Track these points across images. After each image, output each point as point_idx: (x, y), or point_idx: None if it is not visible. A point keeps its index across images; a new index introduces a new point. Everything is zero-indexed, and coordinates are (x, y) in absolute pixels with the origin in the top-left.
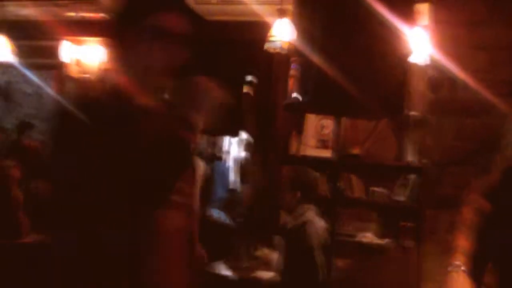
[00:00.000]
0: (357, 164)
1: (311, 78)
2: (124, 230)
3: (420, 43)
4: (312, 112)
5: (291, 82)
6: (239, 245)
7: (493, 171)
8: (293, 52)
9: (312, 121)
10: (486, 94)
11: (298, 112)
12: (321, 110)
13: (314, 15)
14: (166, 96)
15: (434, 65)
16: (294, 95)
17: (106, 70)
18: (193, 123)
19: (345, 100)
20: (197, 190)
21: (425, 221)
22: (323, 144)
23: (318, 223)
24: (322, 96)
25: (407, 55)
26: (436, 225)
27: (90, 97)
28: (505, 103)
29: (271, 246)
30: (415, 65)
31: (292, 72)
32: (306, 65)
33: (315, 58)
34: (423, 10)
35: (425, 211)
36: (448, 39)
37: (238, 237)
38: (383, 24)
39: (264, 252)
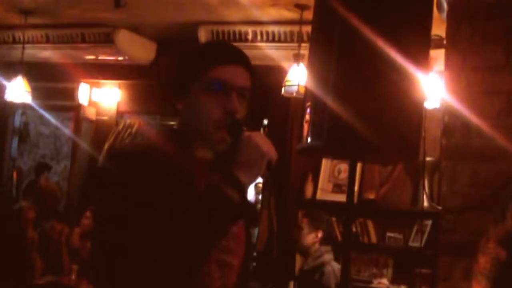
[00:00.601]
0: (373, 209)
1: (325, 122)
2: None
3: (434, 88)
4: (326, 156)
5: (306, 126)
6: None
7: (510, 218)
8: (308, 96)
9: (328, 166)
10: (501, 140)
11: (312, 156)
12: (336, 154)
13: (328, 59)
14: (222, 150)
15: (448, 111)
16: (309, 139)
17: (141, 124)
18: (241, 182)
19: (360, 145)
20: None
21: (439, 267)
22: (339, 189)
23: (335, 266)
24: (337, 140)
25: (422, 101)
26: (450, 272)
27: (136, 152)
28: None
29: None
30: (430, 110)
31: (307, 116)
32: (321, 109)
33: (330, 102)
34: (438, 56)
35: (439, 257)
36: (463, 85)
37: (253, 282)
38: (398, 68)
39: None
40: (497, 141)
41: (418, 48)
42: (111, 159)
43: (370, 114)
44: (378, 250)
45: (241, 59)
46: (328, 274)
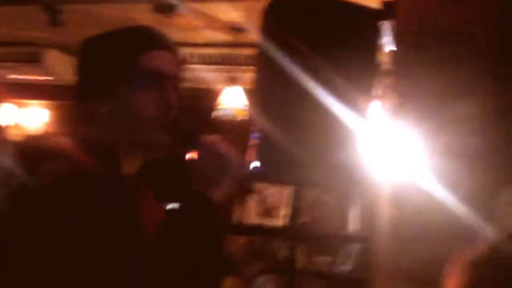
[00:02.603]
0: (303, 233)
1: (274, 150)
2: None
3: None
4: (272, 182)
5: (250, 151)
6: None
7: (481, 244)
8: (250, 120)
9: (257, 189)
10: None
11: (258, 181)
12: (281, 180)
13: (274, 88)
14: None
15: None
16: (254, 164)
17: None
18: (215, 205)
19: (302, 171)
20: None
21: None
22: (267, 213)
23: None
24: (282, 166)
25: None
26: None
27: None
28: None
29: None
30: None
31: (252, 141)
32: (269, 138)
33: (278, 133)
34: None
35: (369, 281)
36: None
37: None
38: (338, 105)
39: None
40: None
41: (362, 78)
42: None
43: (309, 141)
44: (307, 274)
45: (169, 43)
46: None
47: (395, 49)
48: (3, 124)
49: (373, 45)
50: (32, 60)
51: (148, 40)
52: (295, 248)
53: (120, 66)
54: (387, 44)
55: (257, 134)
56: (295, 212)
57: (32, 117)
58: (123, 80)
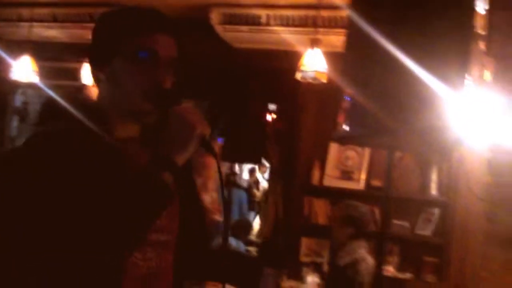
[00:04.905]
0: (380, 197)
1: (367, 113)
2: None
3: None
4: (363, 145)
5: (341, 114)
6: (266, 278)
7: None
8: (338, 85)
9: (336, 152)
10: None
11: (348, 144)
12: (374, 143)
13: (371, 59)
14: (149, 125)
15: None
16: (345, 127)
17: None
18: (175, 163)
19: (386, 135)
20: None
21: (450, 256)
22: (347, 176)
23: (369, 261)
24: (369, 130)
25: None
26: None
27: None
28: None
29: (298, 278)
30: None
31: (344, 104)
32: (355, 100)
33: (361, 95)
34: None
35: (450, 246)
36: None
37: (268, 269)
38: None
39: (292, 284)
40: None
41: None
42: (31, 141)
43: (396, 109)
44: (384, 237)
45: (169, 28)
46: (361, 271)
47: (489, 10)
48: (86, 83)
49: (469, 8)
50: None
51: (152, 23)
52: (370, 211)
53: (120, 40)
54: (481, 6)
55: (347, 98)
56: (372, 175)
57: None
58: (121, 53)
